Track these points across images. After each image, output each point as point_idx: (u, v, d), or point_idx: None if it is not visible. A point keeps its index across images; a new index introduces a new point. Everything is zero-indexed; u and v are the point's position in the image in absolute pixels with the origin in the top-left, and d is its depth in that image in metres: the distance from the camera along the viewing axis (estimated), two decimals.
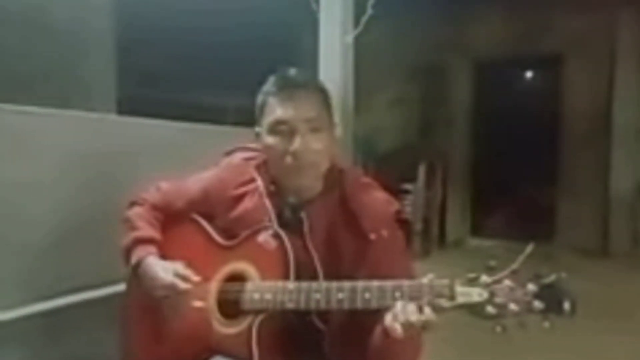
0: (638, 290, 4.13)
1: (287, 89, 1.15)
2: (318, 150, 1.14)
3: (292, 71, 1.20)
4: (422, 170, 5.45)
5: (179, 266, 1.17)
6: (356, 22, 2.84)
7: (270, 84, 1.18)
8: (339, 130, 1.26)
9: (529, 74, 7.42)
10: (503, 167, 6.26)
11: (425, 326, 0.96)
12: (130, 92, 3.88)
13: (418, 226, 5.31)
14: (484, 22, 5.87)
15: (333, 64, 2.83)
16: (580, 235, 5.45)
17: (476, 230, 6.12)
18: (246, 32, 4.88)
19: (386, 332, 1.02)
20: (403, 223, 1.21)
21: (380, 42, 5.50)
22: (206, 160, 1.36)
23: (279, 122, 1.14)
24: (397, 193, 5.12)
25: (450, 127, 6.17)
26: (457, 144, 6.18)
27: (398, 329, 0.96)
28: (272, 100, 1.16)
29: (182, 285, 1.13)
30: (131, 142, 1.75)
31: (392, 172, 5.22)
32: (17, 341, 1.39)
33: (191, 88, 5.59)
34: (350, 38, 2.82)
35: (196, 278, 1.14)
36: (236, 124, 2.06)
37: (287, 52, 4.64)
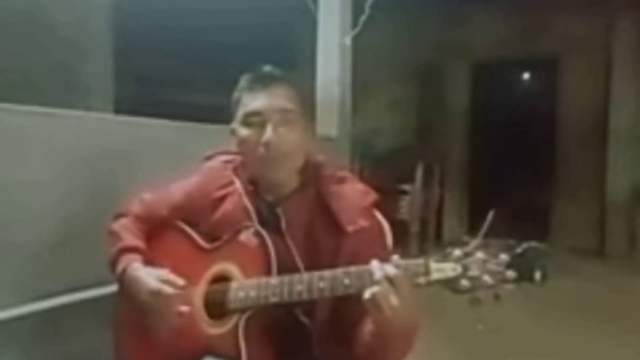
0: (634, 291, 4.14)
1: (260, 82, 1.17)
2: (290, 142, 1.15)
3: (267, 67, 1.22)
4: (419, 171, 5.44)
5: (164, 272, 1.17)
6: (354, 22, 2.84)
7: (244, 80, 1.20)
8: (316, 129, 1.26)
9: (526, 76, 7.44)
10: (500, 168, 6.27)
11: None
12: (127, 93, 3.87)
13: (415, 227, 5.32)
14: (481, 23, 5.88)
15: (331, 64, 2.84)
16: (576, 236, 5.46)
17: (473, 231, 6.09)
18: (244, 32, 4.89)
19: (373, 330, 1.02)
20: (388, 216, 1.21)
21: (378, 43, 5.50)
22: (199, 162, 1.37)
23: (251, 114, 1.16)
24: (394, 194, 5.13)
25: (448, 128, 6.18)
26: (454, 145, 6.18)
27: (377, 288, 0.95)
28: (245, 94, 1.18)
29: (168, 290, 1.12)
30: (129, 141, 1.75)
31: (390, 172, 5.23)
32: (12, 341, 1.39)
33: (189, 88, 5.59)
34: (348, 39, 2.83)
35: (181, 282, 1.14)
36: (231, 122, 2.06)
37: (285, 53, 4.64)
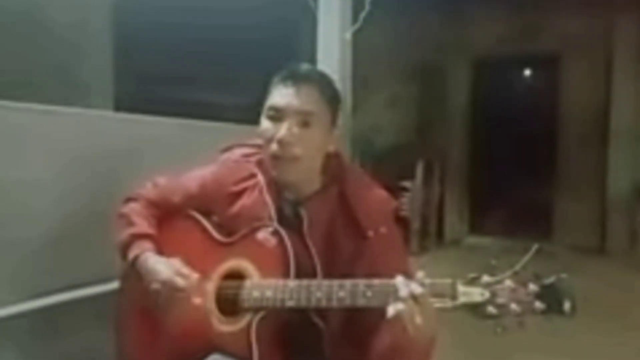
0: (635, 289, 4.14)
1: (290, 79, 1.16)
2: (305, 144, 1.13)
3: (304, 65, 1.21)
4: (420, 169, 5.45)
5: (178, 263, 1.15)
6: (355, 18, 2.83)
7: (279, 74, 1.19)
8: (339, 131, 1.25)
9: (527, 74, 7.42)
10: (501, 165, 6.26)
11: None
12: (127, 90, 3.87)
13: (416, 224, 5.32)
14: (482, 21, 5.88)
15: (331, 61, 2.82)
16: (577, 234, 5.47)
17: (474, 228, 6.13)
18: (244, 29, 4.87)
19: (393, 345, 1.01)
20: (401, 221, 1.21)
21: (378, 41, 5.50)
22: (205, 157, 1.36)
23: (272, 108, 1.15)
24: (395, 191, 5.13)
25: (448, 126, 6.18)
26: (455, 142, 6.18)
27: (401, 307, 0.94)
28: (275, 87, 1.17)
29: (181, 282, 1.10)
30: (130, 139, 1.74)
31: (390, 170, 5.22)
32: (10, 339, 1.39)
33: (189, 86, 5.58)
34: (348, 35, 2.82)
35: (195, 275, 1.13)
36: (235, 120, 2.06)
37: (285, 49, 4.64)
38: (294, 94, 1.14)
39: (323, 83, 1.19)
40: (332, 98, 1.19)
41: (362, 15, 2.73)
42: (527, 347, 2.92)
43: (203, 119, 2.06)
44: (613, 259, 5.07)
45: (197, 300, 1.12)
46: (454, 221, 6.16)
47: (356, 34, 2.86)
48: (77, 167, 1.58)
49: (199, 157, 1.36)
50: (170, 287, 1.11)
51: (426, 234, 5.59)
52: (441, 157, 5.93)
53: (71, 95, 3.09)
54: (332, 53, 2.82)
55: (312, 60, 2.89)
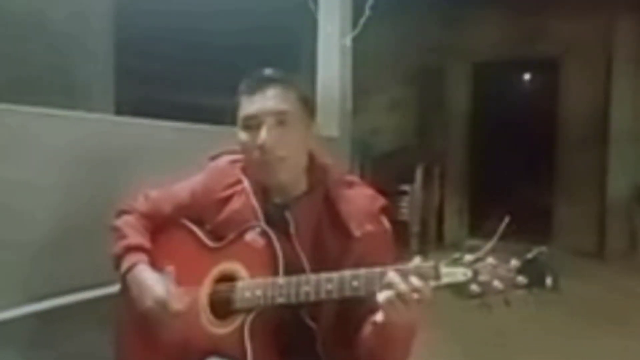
0: (634, 292, 4.14)
1: (255, 85, 1.17)
2: (286, 144, 1.14)
3: (265, 70, 1.21)
4: (419, 172, 5.45)
5: (170, 279, 1.18)
6: (355, 24, 2.85)
7: (243, 84, 1.20)
8: (320, 129, 1.26)
9: (526, 77, 7.44)
10: (500, 169, 6.27)
11: (415, 295, 0.95)
12: (129, 93, 3.88)
13: (415, 228, 5.32)
14: (481, 25, 5.88)
15: (331, 65, 2.84)
16: (577, 237, 5.46)
17: (473, 231, 6.12)
18: (244, 33, 4.89)
19: (377, 331, 1.03)
20: (389, 218, 1.21)
21: (378, 45, 5.50)
22: (204, 161, 1.37)
23: (247, 117, 1.16)
24: (394, 194, 5.13)
25: (448, 129, 6.18)
26: (454, 145, 6.18)
27: (389, 297, 0.96)
28: (244, 98, 1.18)
29: (174, 306, 1.14)
30: (129, 142, 1.75)
31: (390, 173, 5.23)
32: (11, 342, 1.39)
33: (189, 90, 5.59)
34: (348, 40, 2.83)
35: (186, 300, 1.16)
36: (234, 124, 2.07)
37: (286, 54, 4.65)
38: (263, 98, 1.15)
39: (287, 82, 1.19)
40: (301, 95, 1.20)
41: (362, 20, 2.75)
42: (526, 350, 2.93)
43: (203, 122, 2.07)
44: (612, 262, 5.07)
45: (183, 324, 1.15)
46: (454, 224, 6.15)
47: (356, 38, 2.88)
48: (77, 170, 1.58)
49: (199, 161, 1.37)
50: (162, 307, 1.15)
51: (426, 238, 5.58)
52: (441, 161, 5.93)
53: (72, 98, 3.10)
54: (332, 58, 2.84)
55: (313, 64, 2.91)
